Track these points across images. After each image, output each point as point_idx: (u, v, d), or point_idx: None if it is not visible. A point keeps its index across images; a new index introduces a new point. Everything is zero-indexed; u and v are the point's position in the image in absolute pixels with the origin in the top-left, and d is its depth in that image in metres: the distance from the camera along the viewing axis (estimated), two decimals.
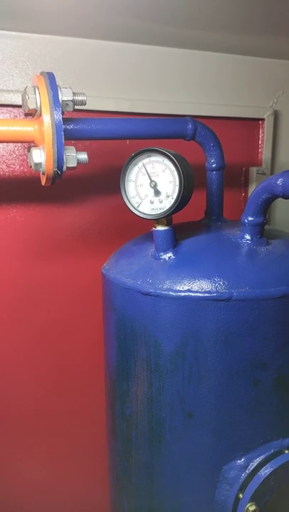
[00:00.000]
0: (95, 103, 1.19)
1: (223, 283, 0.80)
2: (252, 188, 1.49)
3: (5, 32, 1.14)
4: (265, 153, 1.47)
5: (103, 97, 1.23)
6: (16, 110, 1.20)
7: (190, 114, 1.29)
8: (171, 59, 1.29)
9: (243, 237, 0.89)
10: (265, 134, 1.46)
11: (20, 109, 1.19)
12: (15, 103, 1.16)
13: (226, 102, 1.39)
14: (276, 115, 1.46)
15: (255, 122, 1.47)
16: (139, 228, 1.05)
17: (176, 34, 1.18)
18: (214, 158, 1.01)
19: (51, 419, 1.39)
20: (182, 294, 0.81)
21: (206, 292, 0.80)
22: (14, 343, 1.31)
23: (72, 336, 1.36)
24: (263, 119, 1.45)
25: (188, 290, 0.81)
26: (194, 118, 1.03)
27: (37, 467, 1.41)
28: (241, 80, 1.40)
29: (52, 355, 1.35)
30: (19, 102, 1.15)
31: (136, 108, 1.25)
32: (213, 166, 1.01)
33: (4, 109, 1.19)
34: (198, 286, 0.81)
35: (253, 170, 1.47)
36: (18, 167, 1.23)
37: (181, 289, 0.82)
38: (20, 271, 1.27)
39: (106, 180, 1.28)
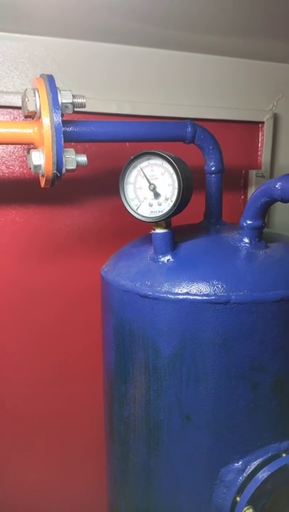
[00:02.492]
0: (95, 105, 1.19)
1: (222, 286, 0.80)
2: (251, 191, 1.49)
3: (5, 34, 1.15)
4: (264, 156, 1.47)
5: (104, 99, 1.23)
6: (15, 112, 1.20)
7: (190, 117, 1.30)
8: (171, 62, 1.29)
9: (242, 241, 0.89)
10: (264, 137, 1.46)
11: (20, 111, 1.19)
12: (15, 105, 1.16)
13: (226, 104, 1.39)
14: (276, 118, 1.46)
15: (254, 125, 1.47)
16: (138, 230, 1.05)
17: (177, 37, 1.18)
18: (213, 161, 1.01)
19: (49, 420, 1.39)
20: (180, 296, 0.82)
21: (204, 295, 0.80)
22: (12, 345, 1.31)
23: (71, 337, 1.36)
24: (262, 122, 1.46)
25: (187, 293, 0.81)
26: (195, 121, 1.03)
27: (34, 469, 1.41)
28: (241, 83, 1.40)
29: (51, 356, 1.35)
30: (19, 104, 1.15)
31: (136, 110, 1.25)
32: (213, 169, 1.02)
33: (4, 111, 1.19)
34: (196, 289, 0.81)
35: (253, 173, 1.47)
36: (17, 168, 1.23)
37: (179, 291, 0.82)
38: (19, 272, 1.27)
39: (106, 181, 1.29)
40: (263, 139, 1.48)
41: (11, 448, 1.38)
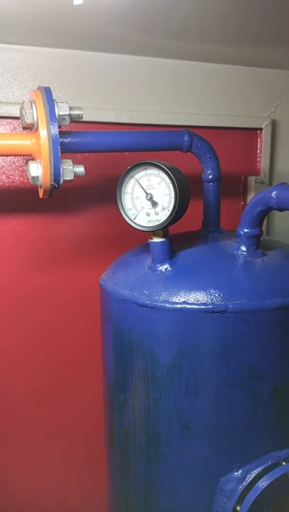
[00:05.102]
0: (92, 114, 1.20)
1: (219, 295, 0.81)
2: (250, 197, 1.49)
3: (4, 45, 1.16)
4: (263, 162, 1.48)
5: (101, 108, 1.24)
6: (15, 122, 1.21)
7: (189, 125, 1.31)
8: (168, 70, 1.30)
9: (239, 249, 0.89)
10: (263, 143, 1.47)
11: (19, 121, 1.20)
12: (14, 115, 1.17)
13: (225, 112, 1.40)
14: (274, 125, 1.46)
15: (253, 132, 1.47)
16: (137, 238, 1.06)
17: (173, 45, 1.19)
18: (210, 169, 1.02)
19: (50, 429, 1.39)
20: (178, 305, 0.82)
21: (201, 304, 0.81)
22: (12, 352, 1.31)
23: (71, 345, 1.36)
24: (260, 129, 1.46)
25: (185, 302, 0.82)
26: (192, 128, 1.03)
27: (35, 477, 1.41)
28: (239, 90, 1.41)
29: (50, 364, 1.35)
30: (18, 114, 1.16)
31: (134, 119, 1.26)
32: (210, 177, 1.02)
33: (4, 121, 1.20)
34: (194, 298, 0.82)
35: (252, 179, 1.47)
36: (17, 178, 1.24)
37: (177, 300, 0.82)
38: (18, 280, 1.28)
39: (103, 190, 1.29)
40: (261, 145, 1.49)
41: (12, 456, 1.38)
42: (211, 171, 1.02)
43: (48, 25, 1.03)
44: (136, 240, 1.06)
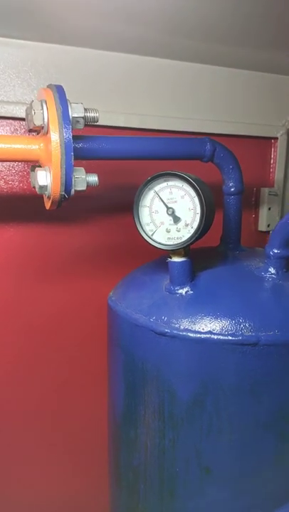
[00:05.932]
0: (102, 118, 1.11)
1: (249, 325, 0.72)
2: (263, 210, 1.42)
3: (7, 39, 1.06)
4: (277, 173, 1.40)
5: (110, 112, 1.15)
6: (16, 123, 1.11)
7: (200, 132, 1.23)
8: (181, 73, 1.22)
9: (268, 271, 0.80)
10: (277, 153, 1.39)
11: (21, 122, 1.10)
12: (16, 115, 1.07)
13: (238, 119, 1.32)
14: None
15: (267, 141, 1.40)
16: (145, 251, 0.96)
17: (189, 47, 1.11)
18: (233, 181, 0.93)
19: (50, 452, 1.29)
20: (202, 336, 0.72)
21: (229, 335, 0.71)
22: (9, 376, 1.21)
23: (72, 364, 1.26)
24: (275, 138, 1.39)
25: (210, 332, 0.72)
26: (201, 136, 0.95)
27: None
28: (253, 96, 1.33)
29: (48, 384, 1.25)
30: (20, 115, 1.07)
31: (145, 124, 1.17)
32: (232, 190, 0.93)
33: (4, 122, 1.10)
34: (220, 328, 0.72)
35: (265, 191, 1.40)
36: (17, 183, 1.14)
37: (201, 330, 0.73)
38: (15, 293, 1.17)
39: (110, 198, 1.20)
40: (275, 156, 1.41)
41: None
42: (234, 183, 0.93)
43: (56, 19, 0.93)
44: (144, 253, 0.96)
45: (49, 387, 1.25)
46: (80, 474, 1.33)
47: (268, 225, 1.42)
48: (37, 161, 0.77)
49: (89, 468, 1.31)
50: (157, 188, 0.77)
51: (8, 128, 1.11)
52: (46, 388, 1.24)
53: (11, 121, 1.10)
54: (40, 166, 0.78)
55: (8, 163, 1.12)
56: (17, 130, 1.11)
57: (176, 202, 0.76)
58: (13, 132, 1.11)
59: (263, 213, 1.41)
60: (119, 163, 1.11)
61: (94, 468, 1.29)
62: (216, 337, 0.72)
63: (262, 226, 1.42)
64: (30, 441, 1.26)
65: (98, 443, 1.13)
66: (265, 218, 1.41)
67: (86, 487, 1.32)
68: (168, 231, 0.77)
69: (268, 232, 1.44)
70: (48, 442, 1.28)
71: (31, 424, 1.25)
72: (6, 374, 1.20)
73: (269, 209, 1.40)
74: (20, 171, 1.14)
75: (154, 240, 0.78)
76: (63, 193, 0.73)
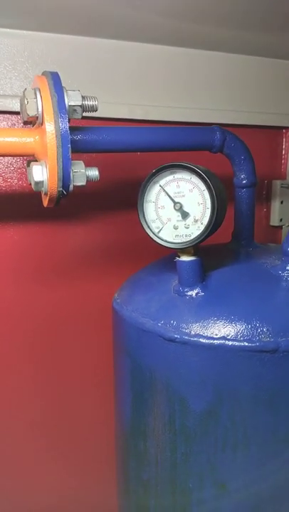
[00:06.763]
0: (101, 109, 1.04)
1: (267, 329, 0.65)
2: (275, 203, 1.35)
3: (2, 29, 1.00)
4: None
5: (111, 103, 1.08)
6: (13, 117, 1.06)
7: (207, 122, 1.15)
8: (189, 61, 1.15)
9: (286, 269, 0.74)
10: None
11: (19, 116, 1.05)
12: (12, 109, 1.01)
13: (248, 108, 1.25)
14: None
15: (278, 131, 1.33)
16: (150, 249, 0.89)
17: (200, 33, 1.03)
18: (245, 173, 0.87)
19: (51, 465, 1.24)
20: (216, 342, 0.66)
21: (245, 341, 0.65)
22: (10, 380, 1.16)
23: (74, 368, 1.21)
24: (287, 128, 1.32)
25: (223, 337, 0.66)
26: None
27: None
28: (265, 84, 1.26)
29: (49, 391, 1.19)
30: (18, 109, 1.01)
31: (149, 115, 1.11)
32: (244, 182, 0.87)
33: (1, 117, 1.05)
34: (234, 333, 0.66)
35: (277, 183, 1.33)
36: (16, 181, 1.09)
37: (213, 335, 0.67)
38: (16, 296, 1.12)
39: (113, 194, 1.14)
40: (287, 146, 1.34)
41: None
42: (246, 175, 0.87)
43: (54, 7, 0.87)
44: (149, 251, 0.90)
45: (50, 393, 1.20)
46: (85, 484, 1.28)
47: (281, 220, 1.35)
48: (32, 155, 0.71)
49: (94, 479, 1.26)
50: (163, 181, 0.71)
51: (5, 123, 1.05)
52: (47, 395, 1.19)
53: (7, 115, 1.05)
54: (36, 161, 0.72)
55: (6, 159, 1.07)
56: (14, 125, 1.06)
57: (184, 196, 0.70)
58: (10, 127, 1.06)
59: (275, 207, 1.35)
60: (122, 155, 1.05)
61: (100, 478, 1.23)
62: (230, 343, 0.66)
63: (274, 221, 1.36)
64: (31, 450, 1.21)
65: (104, 452, 1.08)
66: (278, 212, 1.34)
67: (91, 499, 1.27)
68: (176, 228, 0.71)
69: (280, 227, 1.37)
70: (50, 453, 1.23)
71: (33, 431, 1.20)
72: (5, 378, 1.15)
73: (281, 202, 1.34)
74: (19, 168, 1.08)
75: (160, 238, 0.72)
76: (61, 188, 0.67)
